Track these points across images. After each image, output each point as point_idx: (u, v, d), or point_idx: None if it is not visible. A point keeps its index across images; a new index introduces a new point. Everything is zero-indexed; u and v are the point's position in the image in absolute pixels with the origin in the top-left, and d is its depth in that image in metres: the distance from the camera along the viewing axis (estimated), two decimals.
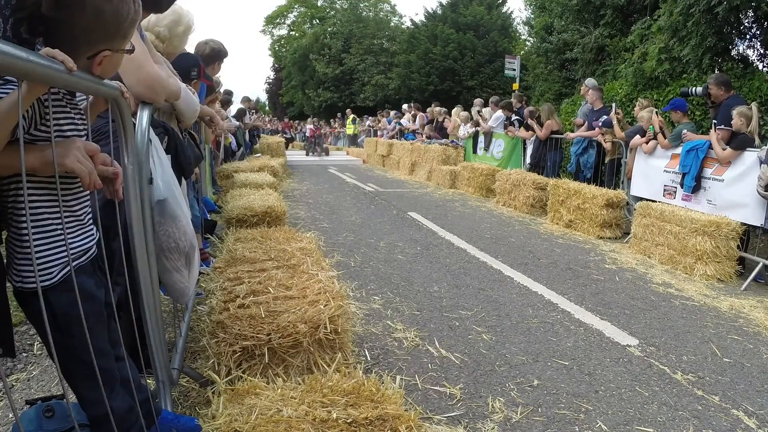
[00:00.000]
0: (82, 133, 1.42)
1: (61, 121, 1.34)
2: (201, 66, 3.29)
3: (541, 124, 8.39)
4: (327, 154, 18.67)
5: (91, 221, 1.52)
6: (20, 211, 1.30)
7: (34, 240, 1.31)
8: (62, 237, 1.37)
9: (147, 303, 1.84)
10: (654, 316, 3.76)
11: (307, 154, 18.52)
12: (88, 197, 1.51)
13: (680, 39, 7.91)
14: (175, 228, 2.04)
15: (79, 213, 1.45)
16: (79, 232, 1.45)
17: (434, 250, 5.50)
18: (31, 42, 1.27)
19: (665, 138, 5.92)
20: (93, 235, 1.52)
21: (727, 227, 4.69)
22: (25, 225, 1.30)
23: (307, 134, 23.60)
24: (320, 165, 15.27)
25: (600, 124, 7.07)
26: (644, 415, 2.44)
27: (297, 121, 34.12)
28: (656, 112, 6.17)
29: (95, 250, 1.53)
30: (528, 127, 8.89)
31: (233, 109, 9.99)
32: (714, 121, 5.43)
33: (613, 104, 7.37)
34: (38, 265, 1.32)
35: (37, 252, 1.32)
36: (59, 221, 1.36)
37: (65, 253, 1.37)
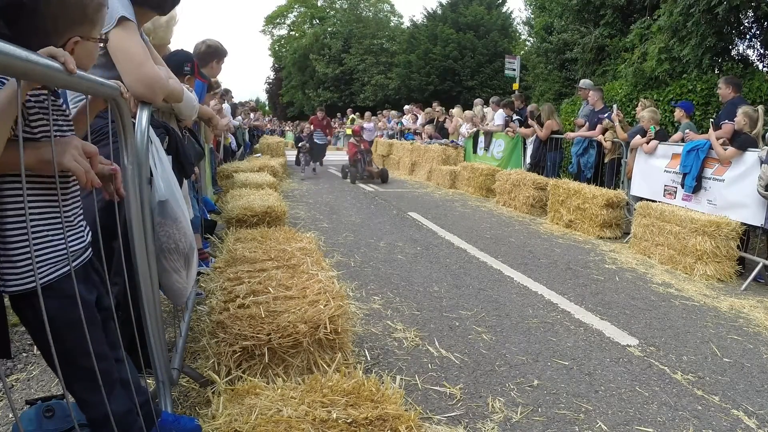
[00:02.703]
0: (67, 134, 1.40)
1: (36, 122, 1.32)
2: (194, 62, 3.29)
3: (541, 124, 8.39)
4: (385, 179, 11.30)
5: (81, 223, 1.49)
6: (5, 212, 1.27)
7: (19, 241, 1.28)
8: (48, 239, 1.33)
9: (147, 303, 1.84)
10: (654, 316, 3.76)
11: (353, 181, 11.31)
12: (79, 198, 1.48)
13: (680, 39, 7.92)
14: (175, 229, 2.04)
15: (68, 214, 1.43)
16: (69, 234, 1.42)
17: (434, 250, 5.50)
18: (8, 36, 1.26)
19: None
20: (83, 237, 1.48)
21: (727, 227, 4.69)
22: (8, 225, 1.27)
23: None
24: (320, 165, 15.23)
25: (606, 116, 7.08)
26: (644, 415, 2.44)
27: (339, 120, 22.57)
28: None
29: (89, 253, 1.51)
30: (528, 126, 8.90)
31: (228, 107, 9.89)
32: (711, 120, 5.43)
33: (614, 105, 7.37)
34: (22, 267, 1.29)
35: (21, 254, 1.29)
36: (45, 222, 1.33)
37: (51, 257, 1.34)
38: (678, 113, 6.24)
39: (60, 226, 1.39)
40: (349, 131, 22.05)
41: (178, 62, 3.10)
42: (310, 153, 12.45)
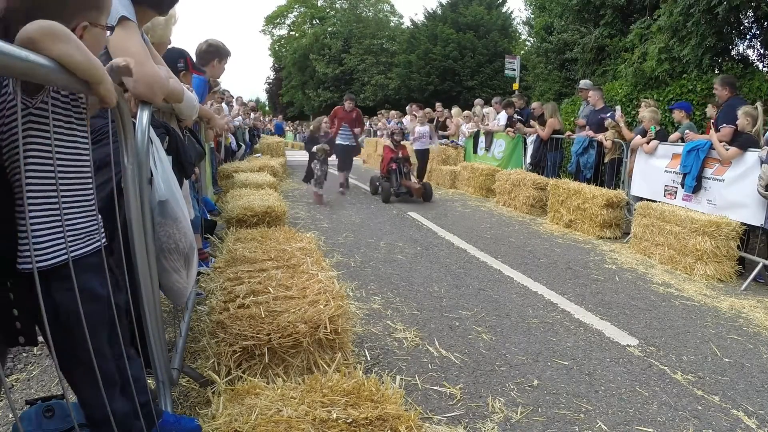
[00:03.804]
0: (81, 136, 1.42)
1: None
2: (187, 57, 3.26)
3: (543, 123, 8.39)
4: (428, 197, 8.67)
5: (93, 208, 1.49)
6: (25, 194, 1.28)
7: (31, 218, 1.28)
8: (62, 219, 1.34)
9: (147, 303, 1.84)
10: (654, 316, 3.76)
11: (385, 199, 8.61)
12: (91, 183, 1.48)
13: (680, 39, 7.92)
14: (175, 229, 2.04)
15: (82, 197, 1.43)
16: (83, 214, 1.43)
17: (434, 250, 5.50)
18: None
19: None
20: (97, 219, 1.49)
21: (727, 227, 4.69)
22: (29, 207, 1.27)
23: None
24: None
25: (608, 115, 7.08)
26: (644, 415, 2.44)
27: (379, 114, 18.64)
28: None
29: (105, 240, 1.51)
30: (530, 126, 8.90)
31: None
32: (712, 120, 5.43)
33: (617, 107, 7.37)
34: (43, 244, 1.30)
35: (33, 232, 1.29)
36: (64, 204, 1.34)
37: (70, 236, 1.35)
38: (678, 114, 6.24)
39: (79, 208, 1.40)
40: None
41: (171, 59, 3.09)
42: (323, 165, 8.20)
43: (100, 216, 1.50)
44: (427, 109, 14.10)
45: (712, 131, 5.24)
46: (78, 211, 1.39)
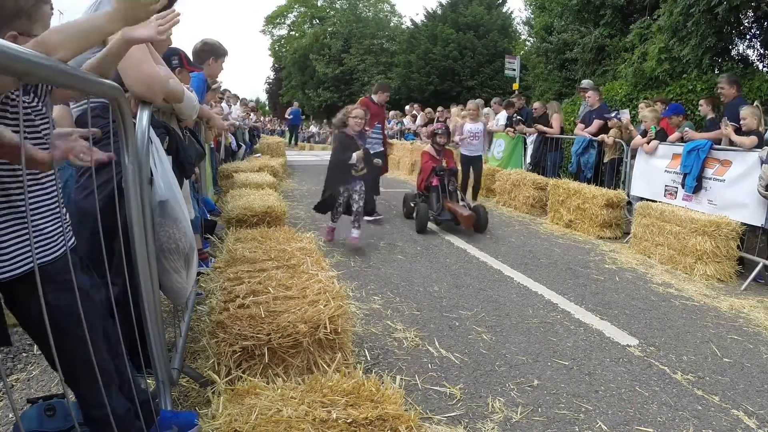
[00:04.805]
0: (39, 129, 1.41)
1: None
2: (181, 54, 3.26)
3: (544, 123, 8.38)
4: (482, 227, 6.14)
5: (58, 210, 1.50)
6: None
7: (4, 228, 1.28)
8: (33, 225, 1.34)
9: (147, 303, 1.84)
10: (654, 316, 3.76)
11: (420, 228, 6.19)
12: (54, 186, 1.48)
13: (680, 39, 7.92)
14: (175, 229, 2.04)
15: (44, 202, 1.43)
16: (49, 217, 1.43)
17: (434, 250, 5.50)
18: None
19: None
20: (65, 220, 1.50)
21: (727, 227, 4.69)
22: None
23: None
24: (321, 165, 15.16)
25: (613, 115, 7.07)
26: (644, 415, 2.45)
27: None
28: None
29: (74, 241, 1.51)
30: (530, 127, 8.89)
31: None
32: (725, 118, 5.38)
33: (626, 111, 7.36)
34: (11, 253, 1.29)
35: (8, 240, 1.28)
36: (33, 210, 1.34)
37: (37, 241, 1.35)
38: (676, 119, 6.26)
39: (45, 213, 1.40)
40: None
41: (165, 58, 3.09)
42: (359, 189, 5.27)
43: (67, 216, 1.51)
44: (428, 110, 14.10)
45: (728, 128, 5.17)
46: (42, 215, 1.38)
